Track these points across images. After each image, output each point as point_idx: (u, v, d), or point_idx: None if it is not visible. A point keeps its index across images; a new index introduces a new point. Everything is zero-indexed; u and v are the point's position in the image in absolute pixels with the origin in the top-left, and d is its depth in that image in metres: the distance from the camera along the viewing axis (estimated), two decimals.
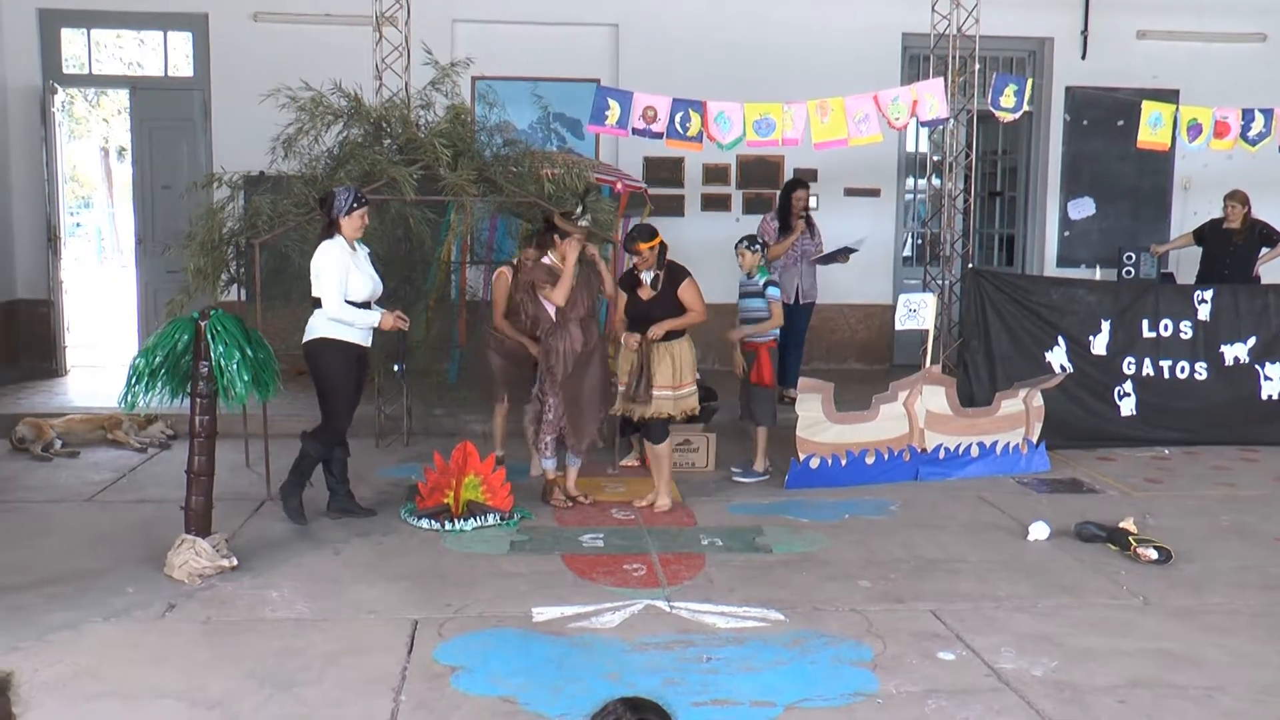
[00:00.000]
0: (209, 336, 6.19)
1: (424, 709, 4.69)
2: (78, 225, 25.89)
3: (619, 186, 9.72)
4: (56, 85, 11.69)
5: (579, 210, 7.57)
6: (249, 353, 6.27)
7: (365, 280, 6.98)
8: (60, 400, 10.43)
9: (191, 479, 6.38)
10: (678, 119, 8.53)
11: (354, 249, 7.02)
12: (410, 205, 8.19)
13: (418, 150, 8.23)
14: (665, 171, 11.79)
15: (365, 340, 7.10)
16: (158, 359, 6.24)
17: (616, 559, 6.63)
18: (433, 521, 7.10)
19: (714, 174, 12.04)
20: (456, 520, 7.08)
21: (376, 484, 8.05)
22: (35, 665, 4.91)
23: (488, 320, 7.95)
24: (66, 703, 4.53)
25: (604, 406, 7.71)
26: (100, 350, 12.94)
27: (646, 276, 7.47)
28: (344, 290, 6.87)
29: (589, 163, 9.80)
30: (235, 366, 6.18)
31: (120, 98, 23.01)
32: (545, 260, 7.49)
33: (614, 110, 8.48)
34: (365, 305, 7.02)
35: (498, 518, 7.16)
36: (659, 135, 8.61)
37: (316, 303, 6.94)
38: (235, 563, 6.29)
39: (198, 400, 6.28)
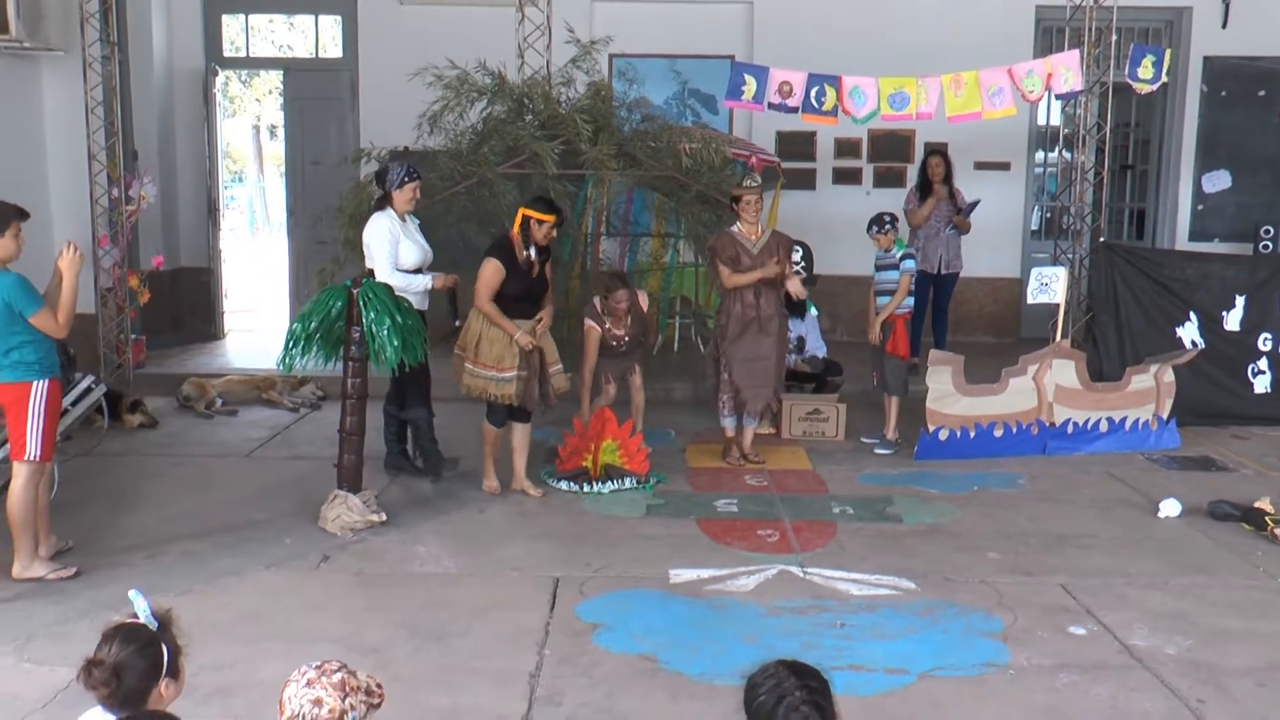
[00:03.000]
0: (361, 304, 6.32)
1: (568, 664, 4.77)
2: (231, 199, 26.58)
3: (754, 160, 9.66)
4: (217, 68, 12.03)
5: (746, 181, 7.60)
6: (398, 319, 6.37)
7: (414, 248, 7.04)
8: (220, 362, 10.76)
9: (343, 438, 6.53)
10: (813, 93, 8.43)
11: (404, 221, 7.08)
12: (551, 179, 8.23)
13: (559, 126, 8.29)
14: (797, 146, 11.68)
15: (422, 304, 7.11)
16: (313, 324, 6.38)
17: (750, 524, 6.63)
18: (571, 484, 7.18)
19: (845, 148, 11.89)
20: (595, 483, 7.15)
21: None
22: (206, 607, 5.12)
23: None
24: (236, 644, 4.70)
25: (779, 373, 7.77)
26: (256, 316, 13.33)
27: (533, 251, 6.93)
28: (394, 260, 6.92)
29: (725, 138, 9.77)
30: (385, 332, 6.29)
31: (273, 78, 23.67)
32: (734, 230, 7.60)
33: (750, 85, 8.42)
34: (416, 272, 7.09)
35: (634, 481, 7.22)
36: (794, 110, 8.52)
37: (370, 274, 6.90)
38: (384, 518, 6.45)
39: (350, 364, 6.43)
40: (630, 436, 7.38)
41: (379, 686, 2.98)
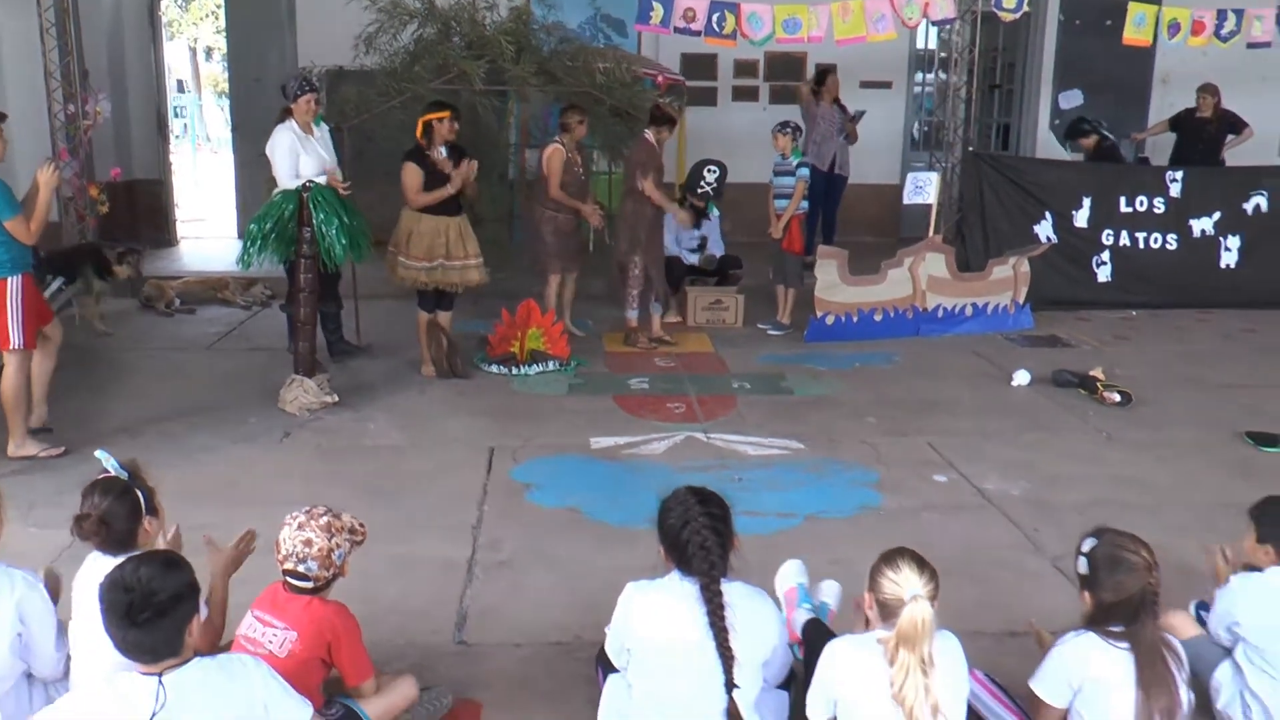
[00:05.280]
0: (311, 206, 6.45)
1: (505, 516, 5.08)
2: (179, 112, 25.93)
3: (660, 79, 9.81)
4: None
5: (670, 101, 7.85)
6: (345, 220, 6.53)
7: (313, 159, 6.93)
8: (176, 266, 10.77)
9: (298, 327, 6.71)
10: (714, 19, 8.58)
11: (311, 131, 7.02)
12: (478, 95, 8.33)
13: (484, 46, 8.35)
14: (701, 66, 11.78)
15: None
16: (268, 225, 6.51)
17: (660, 399, 6.94)
18: (501, 367, 7.42)
19: (744, 68, 12.06)
20: (522, 366, 7.41)
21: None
22: (186, 478, 5.30)
23: (540, 198, 8.10)
24: (216, 507, 4.90)
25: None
26: (206, 224, 13.25)
27: (443, 150, 7.06)
28: (294, 169, 6.81)
29: (634, 58, 9.89)
30: (334, 231, 6.45)
31: (209, 3, 23.09)
32: (647, 135, 7.91)
33: (657, 11, 8.54)
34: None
35: (557, 364, 7.49)
36: (698, 33, 8.67)
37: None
38: (337, 398, 6.65)
39: (302, 260, 6.57)
40: (553, 325, 7.64)
41: (361, 526, 3.26)
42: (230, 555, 3.42)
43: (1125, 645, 2.93)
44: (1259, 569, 3.45)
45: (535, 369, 7.40)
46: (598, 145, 8.88)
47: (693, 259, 9.10)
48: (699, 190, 8.55)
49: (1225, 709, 3.42)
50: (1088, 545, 3.06)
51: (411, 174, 6.93)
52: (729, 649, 2.94)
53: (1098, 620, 3.01)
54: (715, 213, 9.13)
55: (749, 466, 5.76)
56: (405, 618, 4.09)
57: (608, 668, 3.29)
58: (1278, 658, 3.31)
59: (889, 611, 2.81)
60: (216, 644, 3.31)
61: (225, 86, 16.80)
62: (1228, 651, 3.47)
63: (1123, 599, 2.95)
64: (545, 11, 9.67)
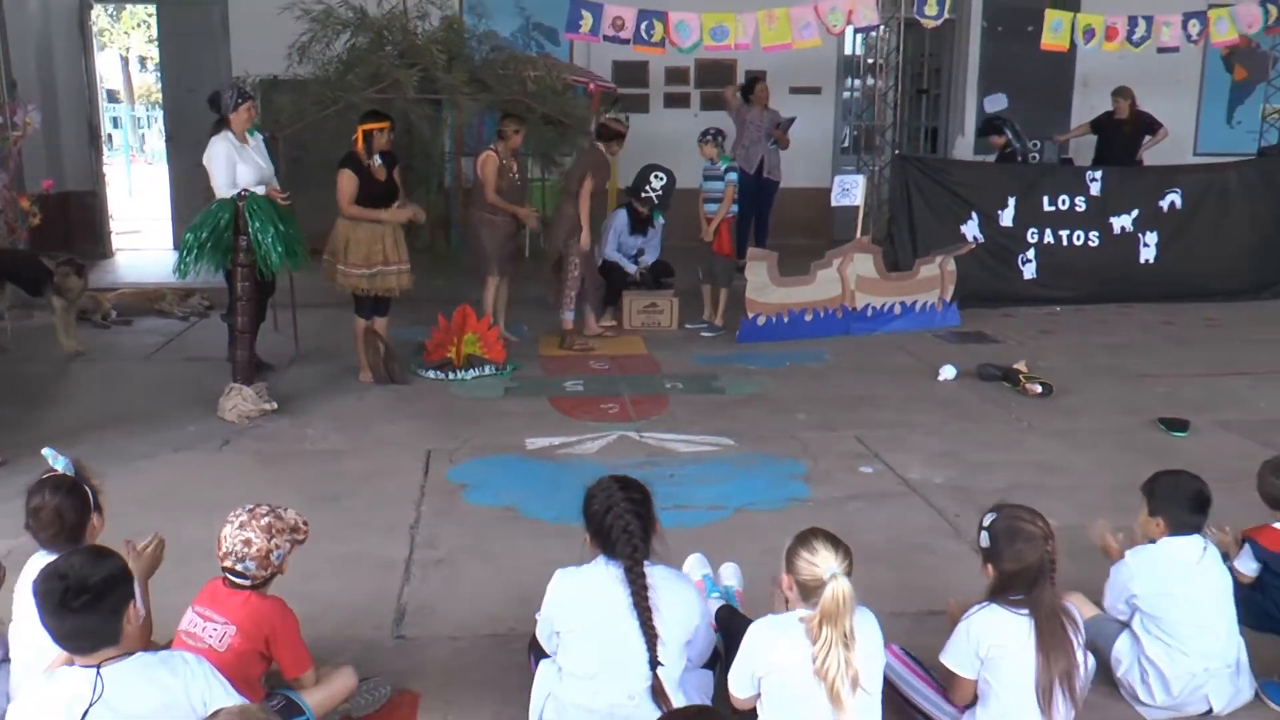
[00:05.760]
0: (247, 214, 6.51)
1: (442, 516, 5.18)
2: (114, 124, 25.62)
3: (592, 87, 9.96)
4: (92, 2, 11.76)
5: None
6: (281, 229, 6.59)
7: (251, 168, 6.88)
8: (111, 278, 10.75)
9: (236, 336, 6.76)
10: (643, 27, 8.76)
11: (246, 141, 6.96)
12: (411, 103, 8.42)
13: (416, 55, 8.43)
14: (632, 73, 11.96)
15: None
16: (204, 234, 6.55)
17: (594, 400, 7.07)
18: (438, 372, 7.51)
19: (675, 75, 12.26)
20: (458, 371, 7.50)
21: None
22: (126, 485, 5.29)
23: (476, 203, 8.19)
24: (157, 513, 4.90)
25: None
26: (140, 236, 13.19)
27: (378, 159, 7.14)
28: (231, 179, 6.74)
29: (566, 66, 10.03)
30: (270, 240, 6.51)
31: (140, 12, 22.89)
32: (599, 145, 8.15)
33: (587, 20, 8.71)
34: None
35: (493, 368, 7.59)
36: (626, 41, 8.84)
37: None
38: (275, 406, 6.70)
39: (239, 269, 6.63)
40: (488, 329, 7.75)
41: (305, 524, 3.35)
42: (143, 561, 3.42)
43: (1025, 612, 3.11)
44: (1153, 541, 3.66)
45: (472, 373, 7.50)
46: (530, 153, 9.00)
47: (632, 268, 9.24)
48: (643, 195, 8.71)
49: (1125, 677, 3.62)
50: (988, 519, 3.25)
51: (347, 181, 7.00)
52: (653, 628, 3.09)
53: (1000, 590, 3.18)
54: (660, 221, 9.23)
55: (680, 463, 5.90)
56: (345, 614, 4.17)
57: (539, 654, 3.41)
58: (1173, 624, 3.52)
59: (809, 591, 2.94)
60: (148, 644, 3.38)
61: (159, 97, 16.69)
62: (1125, 625, 3.67)
63: (1022, 568, 3.12)
64: (477, 20, 9.80)
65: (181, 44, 12.09)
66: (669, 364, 7.98)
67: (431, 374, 7.51)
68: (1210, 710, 3.56)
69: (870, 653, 2.98)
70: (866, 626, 3.00)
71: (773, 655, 3.00)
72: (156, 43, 12.73)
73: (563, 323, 8.39)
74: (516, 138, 8.08)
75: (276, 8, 8.60)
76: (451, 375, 7.47)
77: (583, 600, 3.18)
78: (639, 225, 9.02)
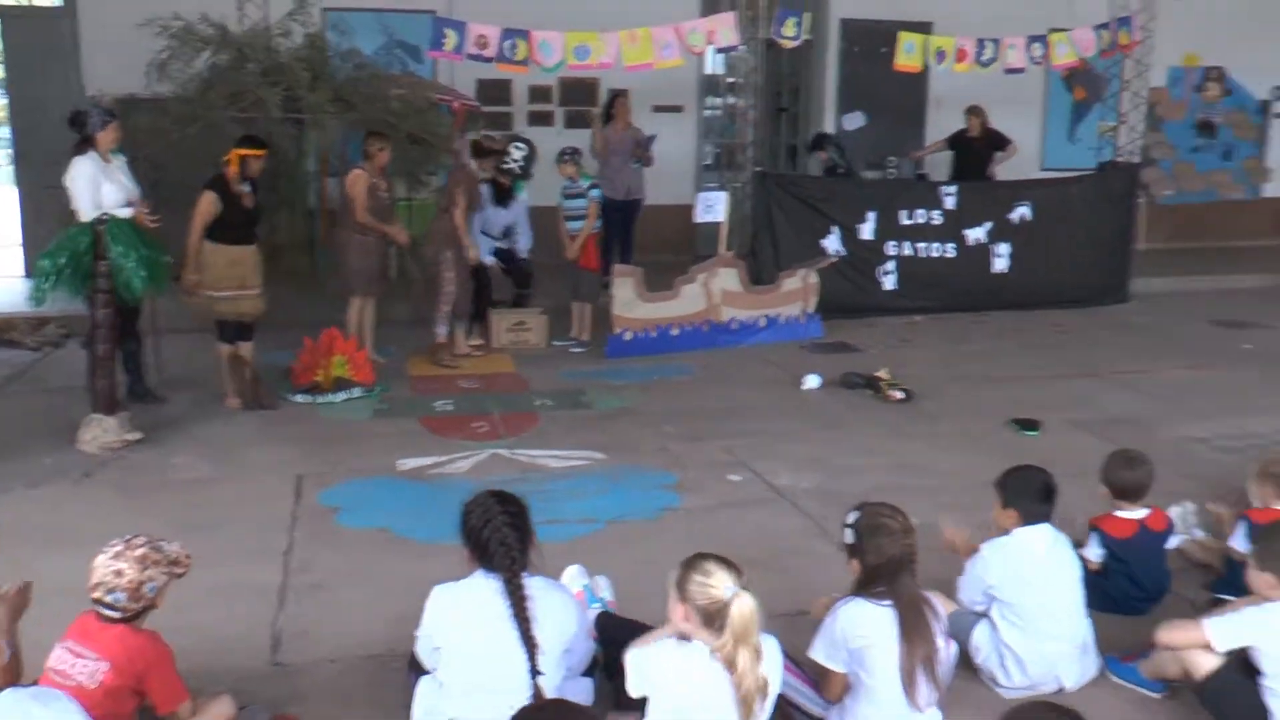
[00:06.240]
0: (109, 239, 6.35)
1: (315, 539, 5.16)
2: None
3: (456, 105, 9.98)
4: None
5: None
6: (144, 252, 6.45)
7: (116, 188, 6.71)
8: None
9: (96, 364, 6.55)
10: (506, 46, 8.78)
11: (108, 160, 6.79)
12: (274, 123, 8.33)
13: (279, 73, 8.35)
14: (496, 91, 11.94)
15: None
16: (62, 260, 6.36)
17: (465, 419, 7.08)
18: (307, 395, 7.43)
19: (539, 93, 12.31)
20: (327, 393, 7.44)
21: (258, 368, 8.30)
22: None
23: (344, 223, 8.12)
24: (15, 549, 4.82)
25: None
26: None
27: (248, 187, 7.10)
28: (95, 200, 6.56)
29: (430, 84, 10.04)
30: (133, 264, 6.36)
31: None
32: (470, 165, 8.24)
33: (450, 38, 8.70)
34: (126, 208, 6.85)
35: (363, 390, 7.54)
36: (490, 60, 8.86)
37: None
38: (140, 436, 6.54)
39: (99, 295, 6.43)
40: (357, 351, 7.71)
41: (186, 556, 3.32)
42: (6, 605, 3.30)
43: (888, 603, 3.28)
44: (1007, 533, 3.90)
45: (341, 396, 7.45)
46: (396, 172, 8.96)
47: (497, 246, 9.16)
48: (504, 167, 8.77)
49: (984, 663, 3.86)
50: (852, 517, 3.42)
51: (208, 204, 6.89)
52: (532, 638, 3.16)
53: (864, 584, 3.35)
54: (523, 195, 9.21)
55: (552, 478, 5.97)
56: (220, 644, 4.13)
57: (419, 671, 3.45)
58: (1028, 610, 3.76)
59: (710, 616, 2.95)
60: (15, 683, 3.30)
61: (3, 115, 16.08)
62: (981, 616, 3.90)
63: (884, 561, 3.30)
64: (340, 38, 9.73)
65: (29, 60, 11.64)
66: (538, 381, 8.04)
67: (300, 398, 7.43)
68: (1062, 688, 3.82)
69: (774, 660, 3.09)
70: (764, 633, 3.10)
71: (673, 682, 3.02)
72: (2, 59, 12.26)
73: (435, 337, 8.39)
74: (382, 155, 8.06)
75: (131, 23, 8.44)
76: (320, 398, 7.40)
77: (462, 614, 3.24)
78: (502, 197, 9.05)
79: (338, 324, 7.91)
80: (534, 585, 3.24)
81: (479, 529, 3.26)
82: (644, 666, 3.09)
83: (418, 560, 4.84)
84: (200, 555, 4.71)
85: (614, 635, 3.35)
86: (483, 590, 3.22)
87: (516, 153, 8.77)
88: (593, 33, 9.05)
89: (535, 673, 3.17)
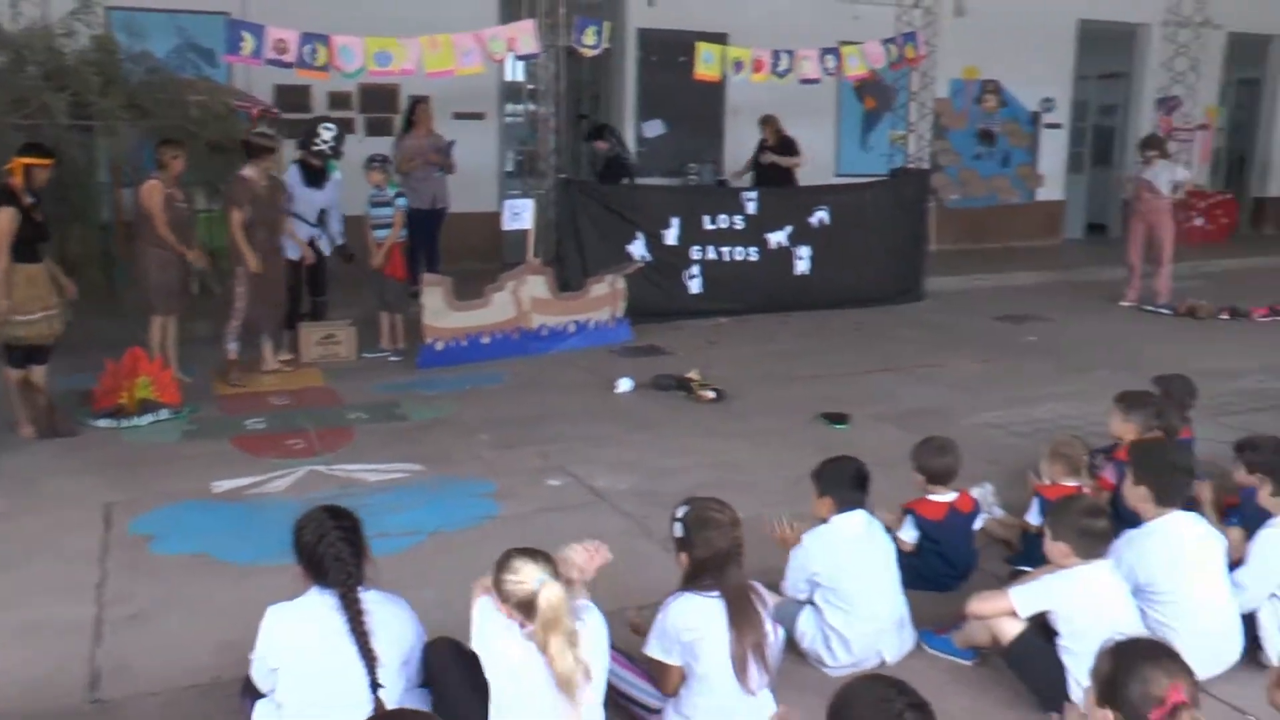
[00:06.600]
0: None
1: (131, 569, 4.98)
2: None
3: (255, 112, 9.75)
4: None
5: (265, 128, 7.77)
6: None
7: None
8: None
9: None
10: (306, 50, 8.63)
11: None
12: (62, 130, 7.96)
13: (66, 77, 7.99)
14: (294, 97, 11.64)
15: None
16: None
17: (278, 437, 6.95)
18: (110, 419, 7.14)
19: (339, 100, 12.11)
20: (132, 416, 7.17)
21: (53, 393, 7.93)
22: None
23: (141, 236, 7.82)
24: None
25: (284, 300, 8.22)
26: None
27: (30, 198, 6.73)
28: None
29: (226, 89, 9.77)
30: None
31: None
32: (244, 172, 7.82)
33: (248, 42, 8.48)
34: None
35: (170, 412, 7.30)
36: (290, 65, 8.69)
37: None
38: None
39: None
40: (161, 371, 7.46)
41: None
42: None
43: (716, 594, 3.43)
44: (825, 521, 4.14)
45: (147, 418, 7.18)
46: (195, 181, 8.68)
47: (314, 233, 8.92)
48: (314, 149, 8.61)
49: (810, 646, 4.09)
50: (680, 512, 3.57)
51: (9, 219, 6.47)
52: (371, 651, 3.18)
53: (693, 577, 3.50)
54: (337, 175, 9.04)
55: (372, 491, 5.93)
56: (31, 686, 3.98)
57: (254, 695, 3.41)
58: (849, 592, 4.01)
59: (527, 609, 3.09)
60: None
61: None
62: (805, 603, 4.12)
63: (713, 553, 3.45)
64: (131, 39, 9.35)
65: None
66: (351, 394, 7.95)
67: (103, 422, 7.13)
68: (883, 661, 4.09)
69: (596, 645, 3.21)
70: (590, 620, 3.23)
71: (503, 668, 3.15)
72: None
73: (226, 353, 8.16)
74: (177, 164, 7.75)
75: None
76: (125, 422, 7.12)
77: (299, 632, 3.22)
78: (314, 178, 8.85)
79: (139, 343, 7.63)
80: (370, 599, 3.26)
81: (313, 545, 3.26)
82: (487, 648, 3.19)
83: (241, 583, 4.77)
84: (3, 595, 4.59)
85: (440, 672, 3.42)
86: (319, 607, 3.22)
87: (326, 133, 8.60)
88: (393, 38, 8.99)
89: (376, 686, 3.18)
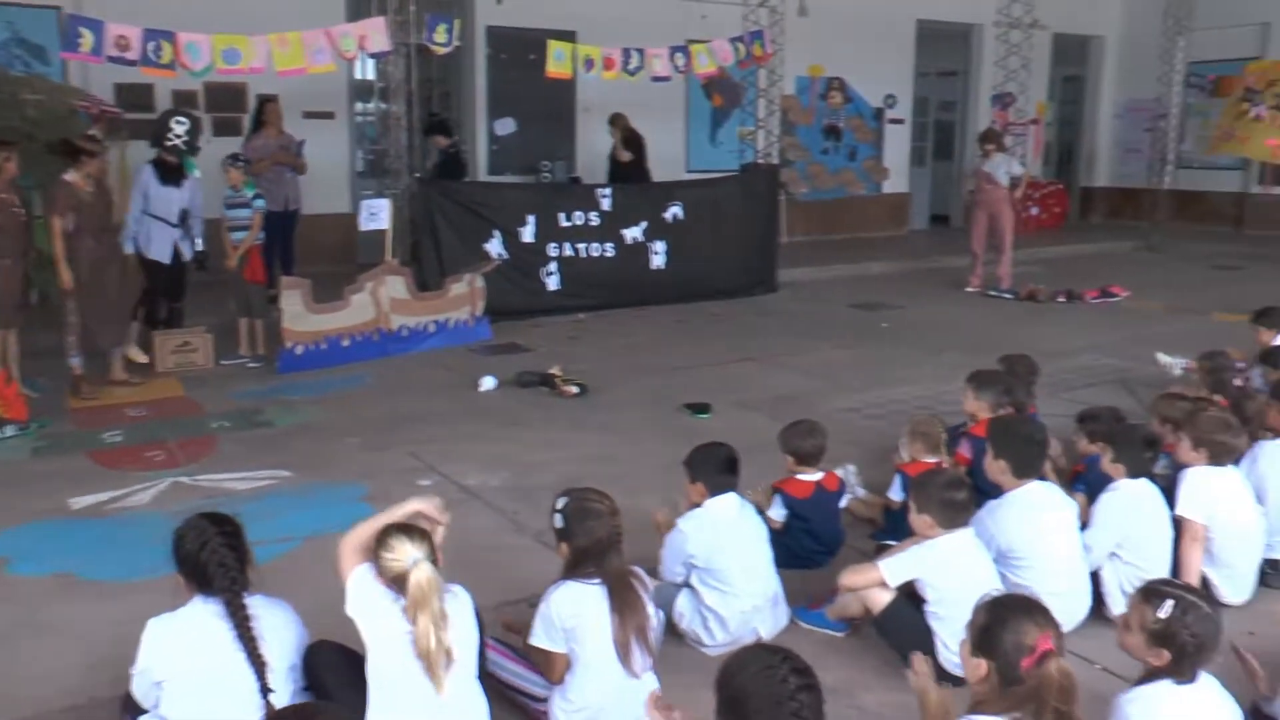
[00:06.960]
0: None
1: None
2: None
3: (96, 112, 9.45)
4: None
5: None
6: None
7: None
8: None
9: None
10: (150, 48, 8.38)
11: None
12: None
13: None
14: (137, 96, 11.27)
15: None
16: None
17: (137, 449, 6.79)
18: None
19: (184, 99, 11.75)
20: None
21: None
22: None
23: None
24: None
25: (128, 310, 7.97)
26: None
27: None
28: None
29: (63, 88, 9.44)
30: None
31: None
32: (67, 177, 7.49)
33: (87, 38, 8.19)
34: None
35: (16, 428, 7.04)
36: (134, 63, 8.43)
37: None
38: None
39: None
40: (6, 385, 7.19)
41: None
42: None
43: (598, 581, 3.53)
44: (699, 505, 4.29)
45: None
46: (33, 185, 8.35)
47: (175, 235, 8.64)
48: (167, 144, 8.38)
49: (689, 627, 4.23)
50: (560, 503, 3.67)
51: None
52: (260, 657, 3.18)
53: (575, 565, 3.60)
54: (195, 172, 8.77)
55: (242, 501, 5.83)
56: None
57: (135, 712, 3.36)
58: (724, 573, 4.16)
59: (400, 584, 3.17)
60: None
61: None
62: (682, 586, 4.26)
63: (593, 542, 3.56)
64: None
65: None
66: (211, 403, 7.80)
67: None
68: (759, 638, 4.20)
69: (463, 629, 3.27)
70: (458, 604, 3.29)
71: (376, 638, 3.20)
72: None
73: (71, 369, 7.91)
74: (10, 166, 7.42)
75: None
76: None
77: (184, 643, 3.20)
78: (170, 175, 8.55)
79: None
80: (255, 604, 3.27)
81: (195, 553, 3.24)
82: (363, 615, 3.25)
83: (109, 600, 4.65)
84: None
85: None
86: (204, 616, 3.21)
87: (178, 127, 8.34)
88: (242, 36, 8.81)
89: (266, 691, 3.19)
